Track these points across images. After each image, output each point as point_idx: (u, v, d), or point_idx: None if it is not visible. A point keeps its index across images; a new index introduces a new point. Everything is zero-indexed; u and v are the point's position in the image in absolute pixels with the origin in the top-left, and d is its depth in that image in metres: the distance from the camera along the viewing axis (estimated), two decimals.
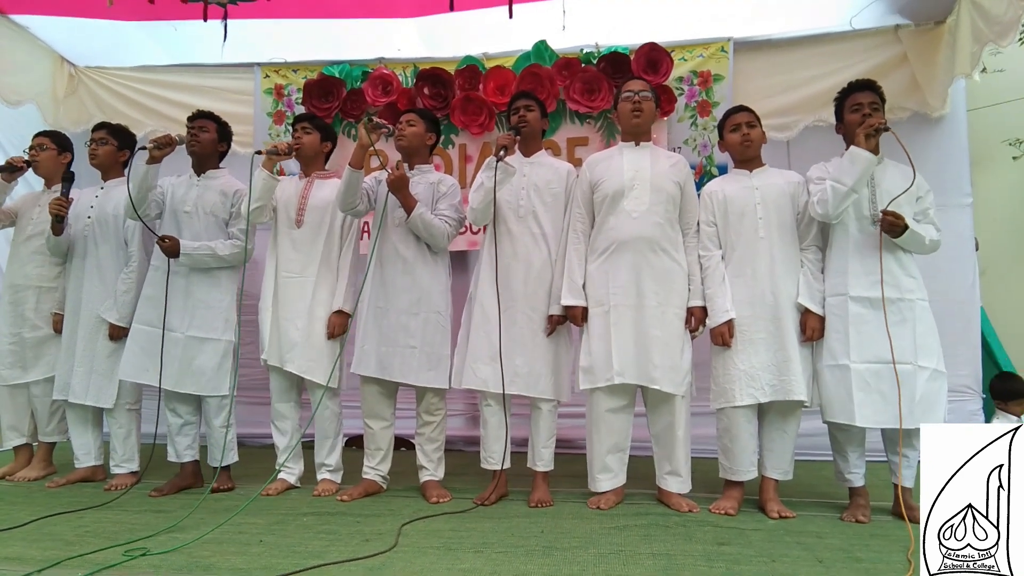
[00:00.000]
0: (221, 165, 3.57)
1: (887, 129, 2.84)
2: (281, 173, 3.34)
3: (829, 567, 2.29)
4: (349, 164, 3.14)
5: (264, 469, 3.36)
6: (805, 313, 2.98)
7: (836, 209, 2.87)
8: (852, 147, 2.87)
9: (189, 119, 3.49)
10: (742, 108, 3.19)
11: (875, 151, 2.86)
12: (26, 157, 3.65)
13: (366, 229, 4.22)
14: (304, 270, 3.39)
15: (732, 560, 2.35)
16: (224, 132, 3.55)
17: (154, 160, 3.24)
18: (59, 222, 3.46)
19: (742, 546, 2.50)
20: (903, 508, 2.71)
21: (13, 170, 3.58)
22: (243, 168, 3.75)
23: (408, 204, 3.18)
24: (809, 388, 2.97)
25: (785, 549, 2.47)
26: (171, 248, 3.28)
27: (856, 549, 2.48)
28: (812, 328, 2.96)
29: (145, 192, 3.29)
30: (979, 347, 4.04)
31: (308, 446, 3.53)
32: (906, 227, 2.81)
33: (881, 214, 2.83)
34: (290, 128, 3.76)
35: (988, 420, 4.09)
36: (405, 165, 3.31)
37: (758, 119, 3.16)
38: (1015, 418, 3.87)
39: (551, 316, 3.16)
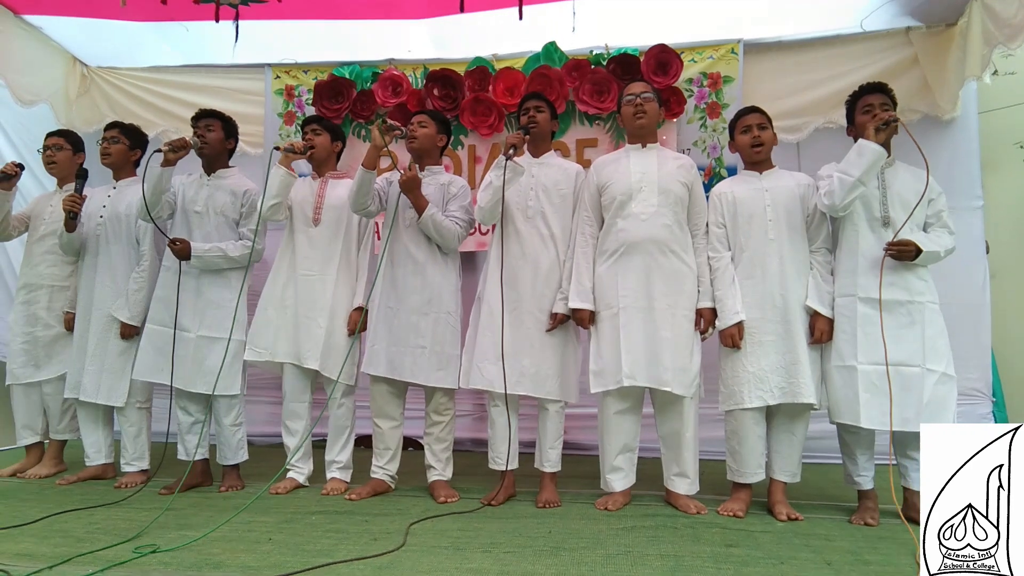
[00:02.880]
0: (231, 164, 3.59)
1: (896, 120, 2.82)
2: (291, 172, 3.35)
3: (838, 570, 2.28)
4: (362, 165, 3.16)
5: (274, 468, 3.37)
6: (814, 315, 2.97)
7: (843, 200, 2.85)
8: (860, 139, 2.86)
9: (194, 119, 3.49)
10: (754, 109, 3.18)
11: (886, 148, 2.85)
12: (18, 161, 3.66)
13: (377, 230, 4.23)
14: (324, 269, 3.41)
15: (740, 562, 2.34)
16: (230, 129, 3.55)
17: (168, 163, 3.24)
18: (72, 219, 3.48)
19: (750, 548, 2.50)
20: (900, 509, 2.69)
21: (6, 178, 3.54)
22: (253, 169, 3.78)
23: (419, 205, 3.19)
24: (818, 390, 2.96)
25: (793, 551, 2.47)
26: (182, 251, 3.29)
27: (865, 552, 2.47)
28: (821, 330, 2.95)
29: (159, 195, 3.31)
30: (989, 350, 4.02)
31: (319, 445, 3.54)
32: (918, 251, 2.80)
33: (887, 245, 2.83)
34: (300, 129, 3.78)
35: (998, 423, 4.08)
36: (416, 166, 3.32)
37: (770, 121, 3.15)
38: None
39: (555, 314, 3.16)
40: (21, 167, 3.61)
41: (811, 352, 2.97)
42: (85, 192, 3.53)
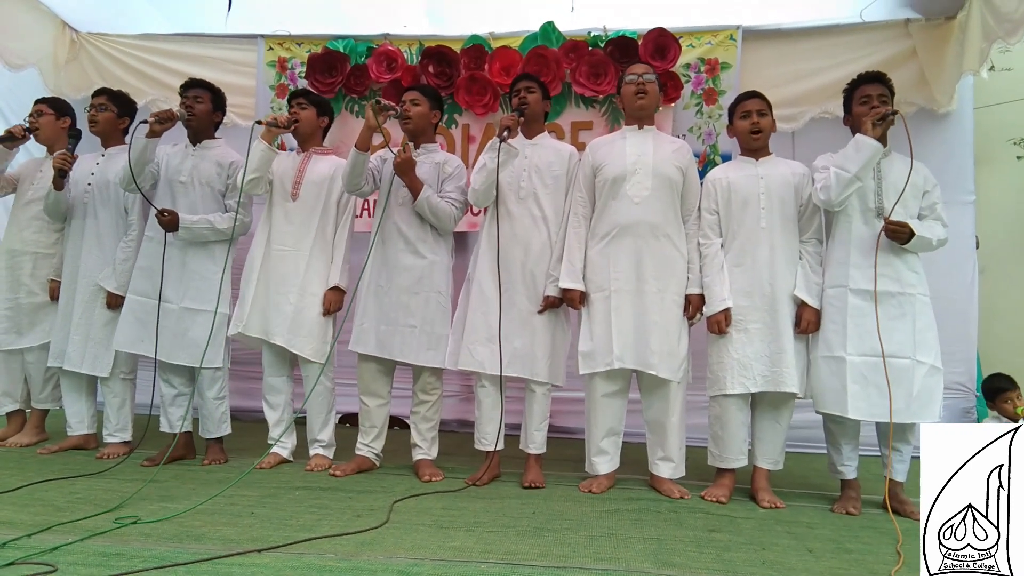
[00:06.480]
0: (218, 135, 3.54)
1: (895, 113, 2.82)
2: (282, 147, 3.31)
3: (819, 557, 2.29)
4: (355, 146, 3.12)
5: (256, 443, 3.36)
6: (801, 305, 2.97)
7: (839, 196, 2.85)
8: (858, 134, 2.84)
9: (182, 88, 3.43)
10: (754, 94, 3.14)
11: (883, 142, 2.84)
12: (26, 125, 3.62)
13: (365, 207, 4.20)
14: (298, 244, 3.37)
15: (722, 547, 2.35)
16: (219, 101, 3.49)
17: (154, 134, 3.20)
18: (62, 176, 3.43)
19: (732, 533, 2.51)
20: (887, 501, 2.72)
21: (13, 139, 3.55)
22: (243, 142, 3.72)
23: (415, 188, 3.16)
24: (802, 380, 2.96)
25: (775, 538, 2.48)
26: (170, 222, 3.25)
27: (846, 540, 2.48)
28: (807, 321, 2.95)
29: (142, 166, 3.26)
30: (975, 345, 4.04)
31: (299, 422, 3.52)
32: (912, 234, 2.80)
33: (884, 222, 2.82)
34: (288, 103, 3.71)
35: (980, 419, 4.10)
36: (411, 145, 3.28)
37: (770, 107, 3.12)
38: (1004, 419, 3.85)
39: (547, 297, 3.15)
40: (29, 131, 3.59)
41: (797, 342, 2.97)
42: (76, 154, 3.48)
